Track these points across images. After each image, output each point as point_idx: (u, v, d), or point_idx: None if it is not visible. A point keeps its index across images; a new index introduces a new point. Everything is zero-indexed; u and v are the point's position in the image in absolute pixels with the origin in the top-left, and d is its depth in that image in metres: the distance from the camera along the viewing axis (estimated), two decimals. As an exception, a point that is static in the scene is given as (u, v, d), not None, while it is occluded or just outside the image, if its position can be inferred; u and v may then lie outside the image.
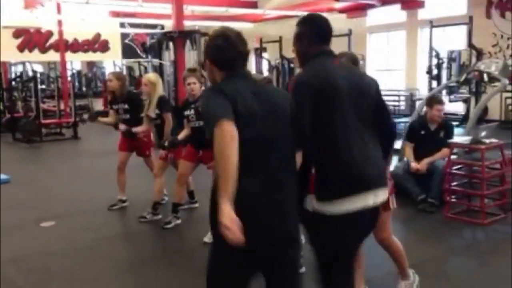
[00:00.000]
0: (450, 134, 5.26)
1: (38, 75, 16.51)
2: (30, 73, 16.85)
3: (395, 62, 14.96)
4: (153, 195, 5.18)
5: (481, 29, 11.72)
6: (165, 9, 11.81)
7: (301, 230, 2.16)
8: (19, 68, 20.07)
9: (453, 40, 13.13)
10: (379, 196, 2.26)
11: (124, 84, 5.54)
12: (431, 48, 12.42)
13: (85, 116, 6.26)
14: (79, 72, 21.07)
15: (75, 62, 21.08)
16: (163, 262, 4.15)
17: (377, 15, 14.70)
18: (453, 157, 5.15)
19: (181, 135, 4.79)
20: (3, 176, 7.30)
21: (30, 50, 16.60)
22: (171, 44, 9.79)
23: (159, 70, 10.29)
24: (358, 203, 2.17)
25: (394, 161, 5.78)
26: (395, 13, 14.05)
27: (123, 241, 4.82)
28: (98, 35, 17.37)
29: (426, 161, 5.22)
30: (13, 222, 5.29)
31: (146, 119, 5.13)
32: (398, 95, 14.17)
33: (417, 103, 10.61)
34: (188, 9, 13.37)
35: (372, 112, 2.29)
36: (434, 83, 12.09)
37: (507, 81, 5.83)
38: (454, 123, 8.09)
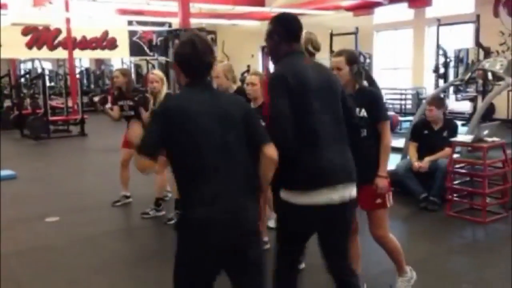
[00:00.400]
0: (453, 134, 5.25)
1: (47, 72, 16.68)
2: (39, 71, 16.99)
3: (402, 61, 14.92)
4: (155, 191, 5.23)
5: (488, 28, 11.66)
6: (172, 7, 11.86)
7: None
8: (29, 65, 20.27)
9: (461, 38, 13.08)
10: (346, 192, 2.38)
11: (130, 81, 5.59)
12: (438, 47, 12.38)
13: (96, 98, 6.33)
14: (87, 70, 21.24)
15: (84, 59, 21.27)
16: (165, 258, 4.18)
17: (384, 13, 14.66)
18: (456, 155, 5.16)
19: None
20: (10, 172, 7.39)
21: (39, 48, 16.75)
22: (177, 42, 9.82)
23: (166, 67, 10.33)
24: (323, 197, 2.30)
25: (396, 159, 5.79)
26: (402, 11, 14.00)
27: (125, 236, 4.88)
28: (106, 33, 17.49)
29: (428, 159, 5.22)
30: (18, 217, 5.38)
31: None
32: (405, 94, 14.14)
33: (424, 102, 10.59)
34: (195, 6, 13.43)
35: (339, 107, 2.43)
36: (441, 82, 12.05)
37: (511, 80, 5.81)
38: (461, 122, 8.10)
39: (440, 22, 12.29)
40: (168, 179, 5.26)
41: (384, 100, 14.13)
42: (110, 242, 4.61)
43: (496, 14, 12.30)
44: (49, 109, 11.92)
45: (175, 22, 13.74)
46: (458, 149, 5.25)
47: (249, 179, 2.15)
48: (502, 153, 4.90)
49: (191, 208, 2.06)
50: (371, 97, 3.05)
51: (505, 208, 4.92)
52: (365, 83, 3.17)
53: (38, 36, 16.68)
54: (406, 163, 5.49)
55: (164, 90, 5.10)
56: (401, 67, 14.96)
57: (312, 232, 2.53)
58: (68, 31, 15.17)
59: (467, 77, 6.99)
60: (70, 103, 13.70)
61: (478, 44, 11.58)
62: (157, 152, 2.12)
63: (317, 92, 2.34)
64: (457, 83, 9.16)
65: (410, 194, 5.39)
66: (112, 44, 17.87)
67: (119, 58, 19.62)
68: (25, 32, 16.25)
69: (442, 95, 12.04)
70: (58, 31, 16.57)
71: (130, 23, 17.33)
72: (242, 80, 12.36)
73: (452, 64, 12.76)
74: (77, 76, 15.90)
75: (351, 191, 2.44)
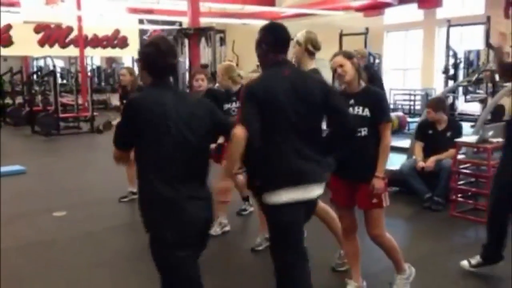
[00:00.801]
0: (457, 134, 5.26)
1: (59, 69, 16.83)
2: (51, 68, 17.17)
3: (411, 61, 14.87)
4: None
5: (499, 29, 11.59)
6: (182, 6, 11.93)
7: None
8: (41, 63, 20.46)
9: (471, 40, 13.02)
10: (312, 191, 2.61)
11: (136, 79, 5.66)
12: (448, 48, 12.33)
13: (101, 127, 6.42)
14: (98, 68, 21.39)
15: (95, 57, 21.41)
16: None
17: (394, 14, 14.63)
18: (461, 156, 5.16)
19: None
20: (19, 167, 7.50)
21: (51, 45, 16.87)
22: (186, 41, 9.91)
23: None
24: (291, 196, 2.53)
25: (403, 159, 5.80)
26: (412, 12, 13.96)
27: (130, 231, 4.93)
28: (117, 31, 17.59)
29: (432, 159, 5.23)
30: (26, 211, 5.48)
31: None
32: (414, 95, 14.10)
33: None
34: (205, 6, 13.50)
35: (316, 115, 2.63)
36: (451, 83, 12.00)
37: (517, 81, 5.78)
38: (470, 124, 8.06)
39: (450, 23, 12.23)
40: None
41: (393, 101, 14.05)
42: (115, 236, 4.68)
43: (507, 15, 12.20)
44: (60, 106, 12.05)
45: (185, 21, 13.83)
46: (463, 150, 5.25)
47: (204, 173, 2.40)
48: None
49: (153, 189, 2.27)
50: (376, 97, 3.09)
51: None
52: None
53: (50, 34, 16.82)
54: (411, 162, 5.51)
55: None
56: (411, 68, 14.92)
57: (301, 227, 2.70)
58: (80, 29, 15.31)
59: (474, 78, 6.97)
60: (80, 101, 13.84)
61: (488, 45, 11.51)
62: (127, 145, 2.37)
63: (289, 105, 2.52)
64: (464, 84, 9.12)
65: (414, 193, 5.41)
66: (123, 43, 17.97)
67: (130, 57, 19.73)
68: (37, 30, 16.37)
69: (450, 96, 12.03)
70: (70, 29, 16.70)
71: (141, 21, 17.44)
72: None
73: (462, 65, 12.72)
74: (89, 74, 16.03)
75: (317, 191, 2.64)
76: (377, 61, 13.27)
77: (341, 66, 3.06)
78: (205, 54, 10.06)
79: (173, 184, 2.27)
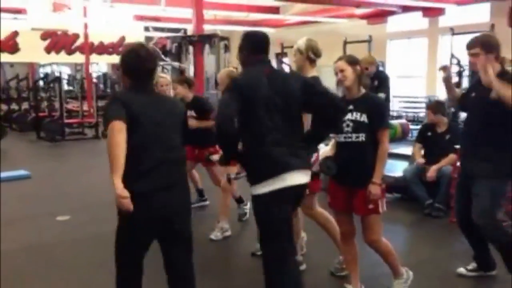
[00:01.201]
0: (456, 138, 5.28)
1: (65, 76, 16.98)
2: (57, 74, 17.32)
3: (415, 69, 14.90)
4: None
5: (503, 37, 11.59)
6: (187, 14, 12.03)
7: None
8: (48, 70, 20.65)
9: (475, 47, 13.02)
10: (297, 179, 2.73)
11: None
12: (451, 56, 12.36)
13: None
14: (104, 74, 21.54)
15: (101, 64, 21.58)
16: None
17: (397, 22, 14.69)
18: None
19: None
20: (24, 172, 7.58)
21: (57, 52, 17.05)
22: (190, 48, 9.99)
23: (179, 72, 10.50)
24: (276, 185, 2.67)
25: (404, 166, 5.83)
26: (416, 20, 14.01)
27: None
28: (122, 38, 17.75)
29: (434, 167, 5.26)
30: (30, 215, 5.54)
31: None
32: (418, 102, 14.13)
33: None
34: (209, 13, 13.59)
35: (296, 108, 2.80)
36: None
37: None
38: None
39: (454, 32, 12.27)
40: None
41: (397, 108, 14.04)
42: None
43: (511, 24, 12.23)
44: (65, 112, 12.14)
45: (191, 29, 13.95)
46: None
47: (181, 163, 2.63)
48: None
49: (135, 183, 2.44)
50: (374, 104, 3.12)
51: (510, 215, 4.91)
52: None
53: (57, 41, 16.99)
54: (413, 168, 5.54)
55: (171, 93, 5.25)
56: (414, 76, 14.94)
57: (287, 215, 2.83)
58: (86, 36, 15.45)
59: (475, 85, 6.97)
60: (86, 107, 13.95)
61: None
62: None
63: (266, 97, 2.70)
64: (465, 91, 9.11)
65: (415, 200, 5.44)
66: (128, 50, 18.14)
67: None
68: (44, 37, 16.55)
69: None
70: (76, 36, 16.87)
71: (146, 29, 17.56)
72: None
73: (465, 73, 12.74)
74: (95, 80, 16.16)
75: (304, 177, 2.78)
76: (380, 68, 13.31)
77: (342, 71, 3.11)
78: (209, 61, 10.14)
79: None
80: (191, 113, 4.75)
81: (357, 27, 14.73)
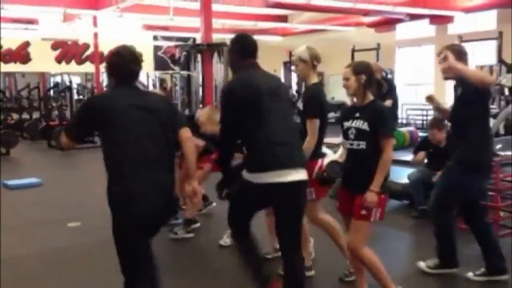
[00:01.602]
0: None
1: (75, 85, 17.15)
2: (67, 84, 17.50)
3: (423, 76, 14.92)
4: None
5: (511, 44, 11.62)
6: (196, 23, 12.16)
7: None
8: (58, 79, 20.87)
9: (483, 55, 13.04)
10: (296, 175, 2.85)
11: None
12: (459, 63, 12.37)
13: None
14: (114, 83, 21.73)
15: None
16: (183, 262, 4.34)
17: (406, 30, 14.73)
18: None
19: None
20: (36, 180, 7.67)
21: (67, 62, 17.25)
22: (199, 56, 10.09)
23: (187, 81, 10.59)
24: (273, 178, 2.81)
25: (408, 170, 5.84)
26: (424, 28, 14.05)
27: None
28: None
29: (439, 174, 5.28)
30: (41, 221, 5.63)
31: None
32: (426, 110, 14.12)
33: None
34: (218, 22, 13.72)
35: (288, 106, 3.05)
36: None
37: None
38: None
39: (462, 39, 12.29)
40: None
41: (406, 116, 14.02)
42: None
43: (519, 31, 12.24)
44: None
45: (199, 37, 14.10)
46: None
47: (169, 158, 2.70)
48: (515, 167, 4.93)
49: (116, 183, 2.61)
50: (376, 111, 3.12)
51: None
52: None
53: (67, 51, 17.18)
54: (416, 173, 5.56)
55: None
56: (423, 83, 14.96)
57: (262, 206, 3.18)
58: (96, 45, 15.63)
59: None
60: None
61: (500, 60, 11.54)
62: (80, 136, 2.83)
63: (266, 94, 2.88)
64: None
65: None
66: (138, 59, 18.30)
67: (145, 72, 20.05)
68: (54, 47, 16.76)
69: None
70: (86, 46, 17.06)
71: (155, 38, 17.75)
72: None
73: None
74: (105, 89, 16.33)
75: (301, 175, 2.89)
76: (389, 76, 13.35)
77: (346, 79, 3.16)
78: (217, 70, 10.22)
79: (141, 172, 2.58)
80: None
81: (365, 35, 14.80)
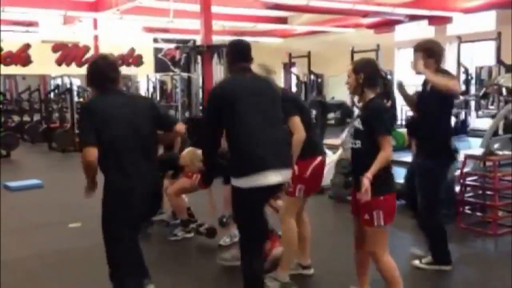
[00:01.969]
0: None
1: (75, 88, 17.16)
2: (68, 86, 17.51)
3: (423, 77, 14.93)
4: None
5: (510, 45, 11.65)
6: (196, 25, 12.20)
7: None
8: (59, 81, 20.88)
9: (482, 55, 13.09)
10: (278, 176, 3.02)
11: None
12: (459, 64, 12.41)
13: None
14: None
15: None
16: (180, 262, 4.37)
17: (405, 31, 14.76)
18: (467, 169, 5.22)
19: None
20: (37, 181, 7.71)
21: (68, 64, 17.23)
22: (199, 58, 10.13)
23: (188, 83, 10.63)
24: (259, 181, 2.95)
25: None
26: (423, 29, 14.08)
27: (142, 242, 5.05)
28: (132, 50, 17.96)
29: None
30: (42, 223, 5.67)
31: None
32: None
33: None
34: (218, 24, 13.76)
35: (279, 110, 3.16)
36: (462, 99, 12.06)
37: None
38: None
39: (461, 40, 12.34)
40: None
41: (406, 117, 14.10)
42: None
43: (517, 31, 12.27)
44: (76, 123, 12.29)
45: (199, 39, 14.15)
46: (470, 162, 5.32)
47: (153, 155, 3.00)
48: (513, 167, 4.97)
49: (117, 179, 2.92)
50: (370, 110, 3.09)
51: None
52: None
53: (68, 53, 17.17)
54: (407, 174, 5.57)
55: None
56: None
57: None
58: (96, 48, 15.67)
59: (481, 93, 7.04)
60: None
61: (499, 61, 11.57)
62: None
63: (246, 98, 3.02)
64: (472, 98, 9.18)
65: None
66: (138, 61, 18.31)
67: (145, 75, 20.07)
68: (55, 49, 16.76)
69: (461, 112, 12.04)
70: (87, 48, 17.06)
71: (155, 40, 17.78)
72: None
73: (473, 81, 12.77)
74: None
75: (285, 175, 3.09)
76: (389, 77, 13.38)
77: (348, 77, 3.20)
78: (218, 71, 10.25)
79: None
80: None
81: (364, 37, 14.84)
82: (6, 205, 6.16)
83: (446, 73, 3.97)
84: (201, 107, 10.20)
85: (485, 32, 12.60)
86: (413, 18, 13.45)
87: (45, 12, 13.25)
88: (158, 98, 18.43)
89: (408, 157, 6.66)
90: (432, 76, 3.72)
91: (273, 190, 3.19)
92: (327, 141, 7.54)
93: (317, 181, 3.78)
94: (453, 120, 12.48)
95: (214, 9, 10.97)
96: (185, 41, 17.65)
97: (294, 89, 16.78)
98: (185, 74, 10.56)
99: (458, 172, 5.16)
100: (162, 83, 19.35)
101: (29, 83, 16.79)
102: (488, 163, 5.04)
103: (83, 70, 19.26)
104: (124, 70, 18.61)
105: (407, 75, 16.78)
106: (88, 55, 17.30)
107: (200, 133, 3.30)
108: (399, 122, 11.93)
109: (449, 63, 13.83)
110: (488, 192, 5.17)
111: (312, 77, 16.31)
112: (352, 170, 3.29)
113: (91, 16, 14.42)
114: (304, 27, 16.50)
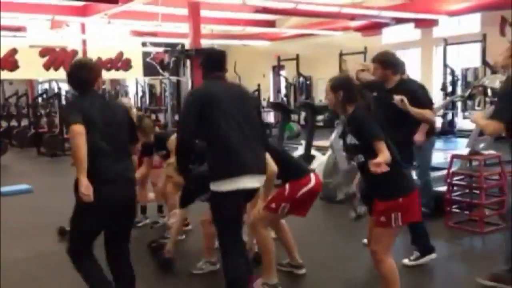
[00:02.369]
0: None
1: (64, 92, 17.09)
2: (56, 91, 17.43)
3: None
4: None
5: (495, 47, 11.82)
6: (185, 29, 12.24)
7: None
8: (47, 86, 20.78)
9: (468, 57, 13.27)
10: (256, 181, 3.12)
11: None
12: (445, 66, 12.57)
13: None
14: (103, 90, 21.70)
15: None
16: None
17: (392, 34, 14.92)
18: (454, 168, 5.31)
19: None
20: (26, 186, 7.68)
21: (56, 69, 17.14)
22: (188, 62, 10.17)
23: (177, 86, 10.66)
24: (240, 184, 3.02)
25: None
26: (410, 31, 14.25)
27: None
28: (120, 54, 17.93)
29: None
30: (33, 226, 5.68)
31: None
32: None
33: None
34: (206, 28, 13.80)
35: (255, 115, 3.25)
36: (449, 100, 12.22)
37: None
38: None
39: (447, 42, 12.50)
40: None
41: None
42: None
43: (503, 33, 12.47)
44: (65, 128, 12.25)
45: (188, 43, 14.17)
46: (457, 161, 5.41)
47: (129, 159, 3.09)
48: (499, 166, 5.06)
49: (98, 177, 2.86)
50: (355, 122, 3.10)
51: (503, 218, 5.03)
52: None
53: (55, 58, 17.08)
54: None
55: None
56: (409, 86, 15.12)
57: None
58: (84, 52, 15.63)
59: (467, 93, 7.15)
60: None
61: (484, 62, 11.74)
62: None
63: (225, 102, 3.08)
64: (458, 99, 9.30)
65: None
66: (126, 65, 18.27)
67: (134, 78, 20.05)
68: (42, 54, 16.68)
69: (448, 113, 12.18)
70: (75, 53, 16.99)
71: (144, 44, 17.76)
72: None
73: (459, 82, 12.94)
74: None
75: (259, 181, 3.16)
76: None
77: (327, 94, 3.28)
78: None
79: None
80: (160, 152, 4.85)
81: (352, 39, 14.97)
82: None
83: (411, 83, 4.35)
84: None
85: (471, 34, 12.79)
86: (399, 21, 13.61)
87: (32, 16, 13.20)
88: (147, 102, 18.43)
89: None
90: (414, 112, 3.91)
91: (250, 195, 3.24)
92: (317, 143, 7.61)
93: (304, 206, 3.76)
94: (440, 120, 12.69)
95: (203, 13, 11.02)
96: (174, 45, 17.67)
97: (283, 91, 16.87)
98: (174, 78, 10.59)
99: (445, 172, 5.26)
100: (151, 87, 19.35)
101: (16, 88, 16.69)
102: (475, 163, 5.12)
103: (72, 74, 19.21)
104: (112, 74, 18.63)
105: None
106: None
107: (176, 135, 3.31)
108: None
109: (435, 65, 14.05)
110: (475, 191, 5.26)
111: (301, 79, 16.40)
112: (365, 185, 3.26)
113: (79, 20, 14.39)
114: (293, 30, 16.60)
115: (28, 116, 14.83)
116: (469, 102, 11.57)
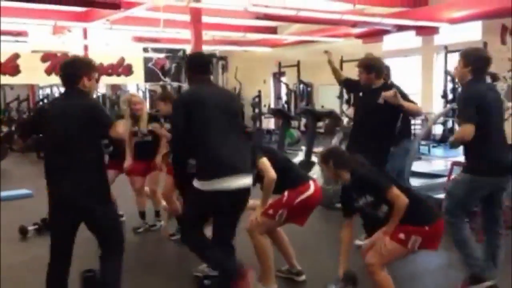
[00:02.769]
0: None
1: (64, 97, 17.14)
2: (57, 96, 17.46)
3: (411, 86, 15.11)
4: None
5: (496, 55, 11.80)
6: (186, 35, 12.27)
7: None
8: (48, 91, 20.83)
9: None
10: (241, 181, 3.16)
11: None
12: (446, 73, 12.58)
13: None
14: (103, 95, 21.74)
15: (101, 85, 21.78)
16: (167, 266, 4.39)
17: (392, 41, 14.95)
18: (455, 175, 5.30)
19: None
20: (26, 191, 7.69)
21: (57, 74, 17.16)
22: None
23: (178, 92, 10.67)
24: (222, 184, 3.10)
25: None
26: (411, 39, 14.28)
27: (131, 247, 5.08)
28: (122, 59, 17.97)
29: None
30: (33, 231, 5.68)
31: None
32: (414, 119, 14.28)
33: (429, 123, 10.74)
34: (208, 34, 13.83)
35: (239, 118, 3.41)
36: (449, 107, 12.21)
37: (510, 104, 5.95)
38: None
39: (448, 49, 12.52)
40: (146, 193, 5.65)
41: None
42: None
43: (503, 41, 12.49)
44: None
45: (190, 49, 14.21)
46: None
47: (91, 161, 3.10)
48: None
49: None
50: (362, 182, 3.17)
51: (506, 226, 5.01)
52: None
53: (57, 63, 17.13)
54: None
55: (145, 111, 5.38)
56: (410, 93, 15.09)
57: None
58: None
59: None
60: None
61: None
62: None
63: (213, 106, 3.19)
64: (456, 107, 9.27)
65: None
66: (128, 70, 18.32)
67: (135, 84, 20.08)
68: (44, 59, 16.73)
69: (448, 120, 12.17)
70: (76, 58, 17.06)
71: (145, 50, 17.82)
72: (254, 105, 12.51)
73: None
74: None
75: (245, 180, 3.19)
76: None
77: (322, 170, 3.34)
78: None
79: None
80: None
81: (353, 46, 14.98)
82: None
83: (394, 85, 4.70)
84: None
85: (471, 42, 12.78)
86: (401, 28, 13.63)
87: (34, 22, 13.24)
88: (148, 107, 18.46)
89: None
90: (405, 104, 4.27)
91: (242, 194, 3.26)
92: (317, 149, 7.61)
93: (303, 214, 3.75)
94: (441, 128, 12.68)
95: (204, 19, 11.06)
96: (175, 51, 17.72)
97: (284, 97, 16.88)
98: (175, 84, 10.62)
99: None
100: (152, 92, 19.38)
101: (18, 93, 16.72)
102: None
103: (73, 79, 19.25)
104: (114, 79, 18.67)
105: (397, 83, 16.91)
106: (77, 65, 17.33)
107: (171, 141, 3.51)
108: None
109: (436, 72, 14.07)
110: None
111: (302, 86, 16.42)
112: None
113: (81, 26, 14.43)
114: (294, 36, 16.64)
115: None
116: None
